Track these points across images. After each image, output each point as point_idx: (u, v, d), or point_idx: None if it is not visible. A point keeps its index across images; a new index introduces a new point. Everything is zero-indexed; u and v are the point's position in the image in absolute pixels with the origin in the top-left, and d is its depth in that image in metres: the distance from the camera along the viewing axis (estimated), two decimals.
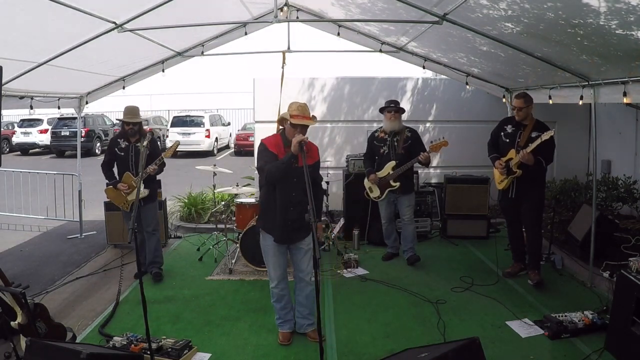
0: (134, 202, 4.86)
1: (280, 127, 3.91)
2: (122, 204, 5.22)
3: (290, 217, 3.70)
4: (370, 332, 4.08)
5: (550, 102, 5.51)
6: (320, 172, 4.19)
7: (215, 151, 19.08)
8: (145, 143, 4.67)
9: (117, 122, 20.01)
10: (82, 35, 4.63)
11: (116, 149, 5.19)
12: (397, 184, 5.52)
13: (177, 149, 5.34)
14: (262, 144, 3.77)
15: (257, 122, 8.18)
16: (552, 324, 3.89)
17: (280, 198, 3.71)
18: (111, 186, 5.23)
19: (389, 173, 5.54)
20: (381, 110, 5.73)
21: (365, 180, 5.80)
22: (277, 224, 3.73)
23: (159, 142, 5.00)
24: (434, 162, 8.13)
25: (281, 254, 3.86)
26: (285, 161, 3.59)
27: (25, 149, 20.52)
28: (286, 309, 3.97)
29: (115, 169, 5.35)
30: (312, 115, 3.76)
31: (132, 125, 5.10)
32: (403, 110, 5.73)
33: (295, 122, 3.62)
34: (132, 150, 5.13)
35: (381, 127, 5.76)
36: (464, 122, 8.10)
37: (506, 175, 4.90)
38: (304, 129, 3.65)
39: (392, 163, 5.51)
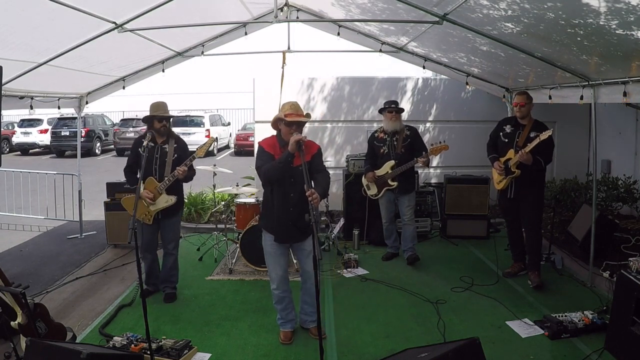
0: (157, 211, 4.50)
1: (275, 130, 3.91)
2: (143, 215, 4.48)
3: (290, 218, 3.70)
4: (370, 332, 4.07)
5: (550, 102, 5.51)
6: None
7: (215, 151, 19.08)
8: (156, 145, 4.39)
9: (121, 121, 20.21)
10: (82, 35, 4.63)
11: (139, 150, 4.52)
12: (395, 183, 5.52)
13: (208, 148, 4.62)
14: (259, 145, 3.81)
15: (257, 122, 8.17)
16: (552, 324, 3.89)
17: (278, 198, 3.72)
18: (130, 194, 4.61)
19: (387, 172, 5.55)
20: (380, 110, 5.74)
21: (363, 178, 5.82)
22: (276, 224, 3.75)
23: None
24: (434, 162, 8.14)
25: (281, 255, 3.85)
26: (283, 160, 3.58)
27: (25, 149, 20.54)
28: (287, 310, 3.97)
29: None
30: (307, 113, 3.76)
31: (166, 121, 4.51)
32: (403, 110, 5.75)
33: (289, 119, 3.63)
34: (157, 152, 4.50)
35: (381, 127, 5.76)
36: (464, 122, 8.09)
37: (505, 175, 4.90)
38: (300, 127, 3.64)
39: (391, 162, 5.52)
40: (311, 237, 3.75)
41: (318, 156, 3.82)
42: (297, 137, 3.50)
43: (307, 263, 3.85)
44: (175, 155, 4.55)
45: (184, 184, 4.75)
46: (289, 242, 3.84)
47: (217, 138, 19.38)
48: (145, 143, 4.36)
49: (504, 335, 3.96)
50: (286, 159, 3.56)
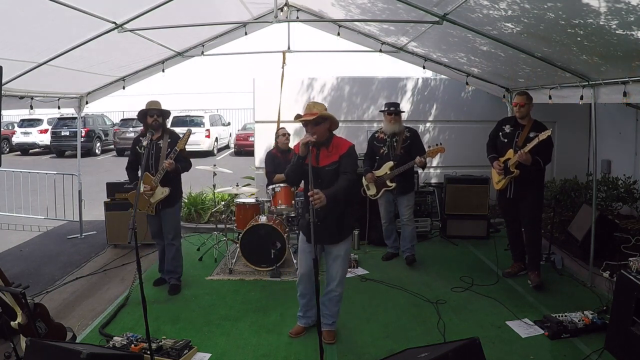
0: (156, 202, 4.74)
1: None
2: (145, 207, 4.80)
3: (318, 218, 3.67)
4: (370, 332, 4.08)
5: (550, 102, 5.51)
6: None
7: (215, 151, 19.08)
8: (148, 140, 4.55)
9: (121, 121, 20.29)
10: (82, 35, 4.64)
11: (137, 147, 4.81)
12: (393, 184, 5.53)
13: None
14: (293, 147, 3.99)
15: (257, 122, 8.18)
16: (552, 324, 3.89)
17: (307, 198, 3.74)
18: (134, 190, 4.76)
19: (386, 173, 5.55)
20: (382, 111, 5.74)
21: (363, 178, 5.82)
22: (306, 223, 3.73)
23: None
24: (434, 162, 8.15)
25: (309, 254, 3.81)
26: (294, 162, 3.65)
27: (25, 149, 20.54)
28: (309, 307, 3.99)
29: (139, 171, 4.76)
30: (329, 113, 3.72)
31: (157, 115, 4.69)
32: (402, 112, 5.75)
33: (296, 120, 3.70)
34: (152, 148, 4.73)
35: (381, 127, 5.77)
36: (464, 122, 8.09)
37: (504, 175, 4.90)
38: (316, 127, 3.60)
39: (390, 163, 5.52)
40: (343, 242, 3.79)
41: (346, 156, 3.72)
42: (304, 139, 3.52)
43: (331, 267, 3.86)
44: (169, 150, 4.73)
45: (183, 178, 4.94)
46: (319, 244, 3.78)
47: (217, 138, 19.42)
48: (145, 143, 4.66)
49: (504, 335, 3.96)
50: (297, 161, 3.61)
